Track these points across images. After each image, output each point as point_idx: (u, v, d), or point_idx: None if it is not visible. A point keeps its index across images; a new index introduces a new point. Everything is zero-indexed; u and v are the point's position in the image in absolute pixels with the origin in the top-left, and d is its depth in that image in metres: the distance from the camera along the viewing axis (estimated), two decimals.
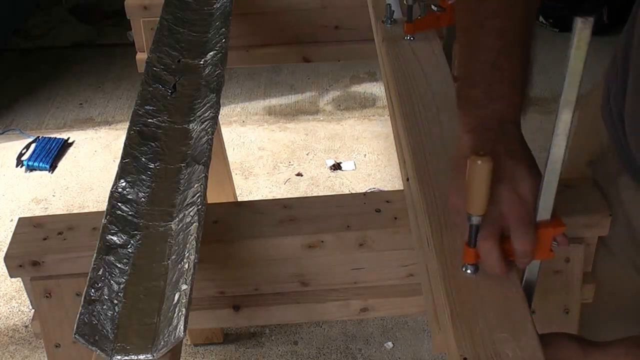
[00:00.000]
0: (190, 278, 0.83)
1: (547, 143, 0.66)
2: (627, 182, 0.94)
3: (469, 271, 0.74)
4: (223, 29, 1.34)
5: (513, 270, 0.74)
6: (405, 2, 1.17)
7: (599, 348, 0.71)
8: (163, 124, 1.12)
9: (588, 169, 1.02)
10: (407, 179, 0.96)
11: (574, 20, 0.58)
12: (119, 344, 0.80)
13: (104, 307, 0.83)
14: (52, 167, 2.59)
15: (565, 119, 0.63)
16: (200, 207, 0.93)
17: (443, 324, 0.74)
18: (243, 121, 2.83)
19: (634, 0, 0.88)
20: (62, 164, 2.63)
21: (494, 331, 0.68)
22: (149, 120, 1.12)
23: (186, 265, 0.85)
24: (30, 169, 2.59)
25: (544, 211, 0.70)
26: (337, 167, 2.54)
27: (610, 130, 0.95)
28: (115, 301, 0.84)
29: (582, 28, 0.58)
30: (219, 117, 1.15)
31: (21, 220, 1.02)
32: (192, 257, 0.86)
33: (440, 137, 0.95)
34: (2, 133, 2.81)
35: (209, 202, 0.98)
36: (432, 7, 1.16)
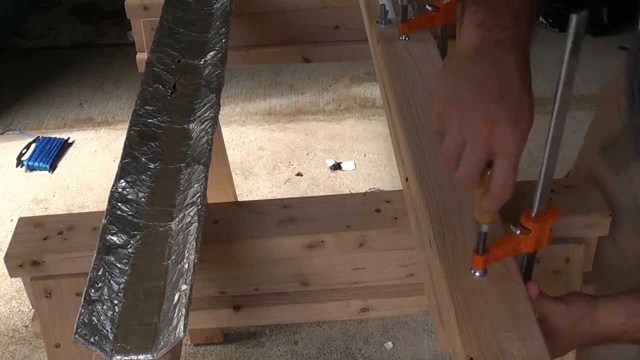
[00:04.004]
0: (190, 278, 0.83)
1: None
2: (639, 168, 0.95)
3: (477, 274, 0.74)
4: (223, 29, 1.34)
5: (516, 271, 0.75)
6: (399, 2, 1.17)
7: (605, 298, 0.76)
8: (163, 124, 1.12)
9: (599, 155, 1.02)
10: (407, 179, 0.96)
11: (569, 17, 0.58)
12: (118, 344, 0.80)
13: (104, 307, 0.83)
14: (52, 167, 2.59)
15: (561, 105, 0.63)
16: (200, 207, 0.93)
17: (448, 325, 0.74)
18: (243, 121, 2.83)
19: (634, 0, 0.88)
20: (62, 164, 2.62)
21: (499, 331, 0.68)
22: (149, 120, 1.12)
23: (186, 265, 0.85)
24: (30, 169, 2.59)
25: (542, 202, 0.70)
26: (337, 167, 2.54)
27: (630, 113, 0.93)
28: (115, 301, 0.84)
29: (577, 23, 0.58)
30: (219, 117, 1.15)
31: (21, 220, 1.02)
32: (192, 257, 0.86)
33: None
34: (2, 133, 2.80)
35: (209, 202, 0.98)
36: (427, 7, 1.16)
